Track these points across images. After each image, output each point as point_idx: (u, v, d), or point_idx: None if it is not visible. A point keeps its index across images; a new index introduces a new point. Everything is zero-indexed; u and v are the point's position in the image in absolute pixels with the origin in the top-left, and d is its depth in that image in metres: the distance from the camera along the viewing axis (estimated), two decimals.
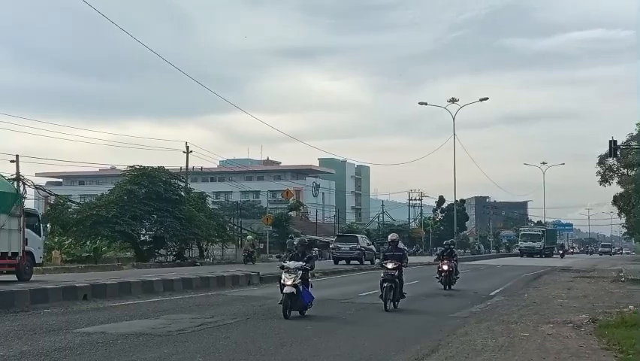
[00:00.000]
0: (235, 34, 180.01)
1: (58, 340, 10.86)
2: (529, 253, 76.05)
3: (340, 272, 33.58)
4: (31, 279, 23.06)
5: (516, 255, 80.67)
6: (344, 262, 41.99)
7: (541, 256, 73.54)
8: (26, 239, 23.66)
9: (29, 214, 25.56)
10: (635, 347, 9.96)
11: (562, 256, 78.06)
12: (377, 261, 17.52)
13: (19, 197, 24.49)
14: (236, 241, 54.40)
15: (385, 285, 16.36)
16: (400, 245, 18.73)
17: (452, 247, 25.27)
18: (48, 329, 12.19)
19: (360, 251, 42.67)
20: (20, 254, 22.91)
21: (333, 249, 47.18)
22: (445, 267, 23.93)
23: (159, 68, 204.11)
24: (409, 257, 20.11)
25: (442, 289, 23.26)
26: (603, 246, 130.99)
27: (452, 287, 23.71)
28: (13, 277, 22.68)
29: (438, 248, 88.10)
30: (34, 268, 24.76)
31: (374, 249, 44.72)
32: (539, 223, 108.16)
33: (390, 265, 16.64)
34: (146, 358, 9.29)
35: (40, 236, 26.15)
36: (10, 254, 22.56)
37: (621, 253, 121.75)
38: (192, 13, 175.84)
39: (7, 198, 22.82)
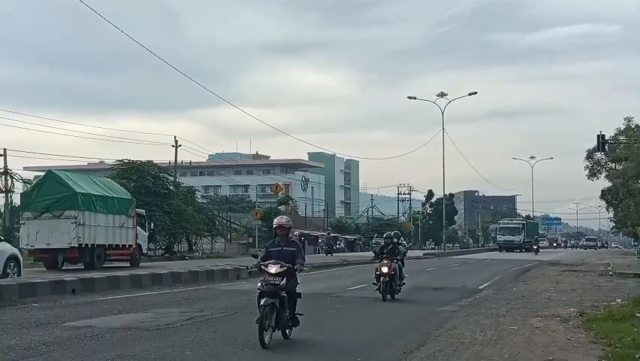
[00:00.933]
0: (223, 29, 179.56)
1: (47, 334, 10.81)
2: (508, 247, 71.44)
3: (330, 266, 33.80)
4: (139, 265, 29.33)
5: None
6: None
7: (521, 251, 69.57)
8: (137, 234, 30.33)
9: (138, 215, 31.67)
10: (622, 341, 9.99)
11: (535, 251, 62.44)
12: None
13: (133, 201, 30.63)
14: (225, 235, 54.34)
15: (264, 303, 9.69)
16: (295, 237, 12.93)
17: (396, 240, 17.87)
18: (36, 323, 12.14)
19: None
20: (134, 246, 29.85)
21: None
22: (385, 269, 16.68)
23: (148, 63, 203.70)
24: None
25: (429, 286, 21.12)
26: (588, 240, 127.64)
27: (396, 297, 17.06)
28: (127, 264, 29.34)
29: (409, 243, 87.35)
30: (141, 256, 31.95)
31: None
32: (527, 217, 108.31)
33: (273, 270, 9.94)
34: (134, 352, 9.25)
35: (145, 232, 33.38)
36: (127, 246, 29.24)
37: (606, 247, 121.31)
38: (181, 7, 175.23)
39: (126, 202, 29.54)
